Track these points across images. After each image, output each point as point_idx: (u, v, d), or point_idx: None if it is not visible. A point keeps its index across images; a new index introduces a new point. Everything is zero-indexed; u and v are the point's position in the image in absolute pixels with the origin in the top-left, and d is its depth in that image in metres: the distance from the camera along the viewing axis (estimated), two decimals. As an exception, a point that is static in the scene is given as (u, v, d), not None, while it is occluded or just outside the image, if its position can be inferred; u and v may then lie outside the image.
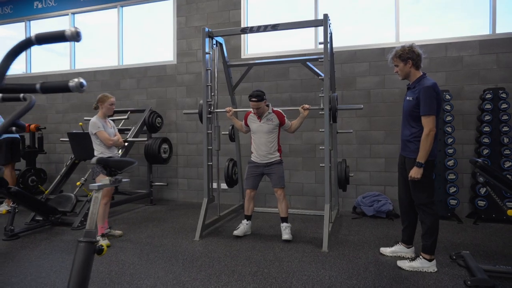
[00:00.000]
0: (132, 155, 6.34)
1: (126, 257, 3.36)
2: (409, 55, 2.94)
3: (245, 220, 3.99)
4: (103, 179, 1.75)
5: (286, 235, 3.74)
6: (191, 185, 6.09)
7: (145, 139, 5.30)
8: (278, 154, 3.86)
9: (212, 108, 4.22)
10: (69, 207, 4.59)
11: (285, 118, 3.90)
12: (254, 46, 5.87)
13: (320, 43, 3.73)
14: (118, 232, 4.05)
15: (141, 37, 6.65)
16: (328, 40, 3.72)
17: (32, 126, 6.54)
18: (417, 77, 2.98)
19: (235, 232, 3.89)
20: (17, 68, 7.37)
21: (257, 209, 5.20)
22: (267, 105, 3.91)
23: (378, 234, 4.02)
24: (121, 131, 5.72)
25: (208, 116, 4.16)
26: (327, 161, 3.72)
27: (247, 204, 3.97)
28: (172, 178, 6.20)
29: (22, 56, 7.27)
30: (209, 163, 4.16)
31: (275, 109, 3.92)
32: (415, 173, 2.86)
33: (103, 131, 3.74)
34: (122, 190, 6.20)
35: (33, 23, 7.26)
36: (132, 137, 5.29)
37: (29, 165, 6.14)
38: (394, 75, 5.14)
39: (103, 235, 3.72)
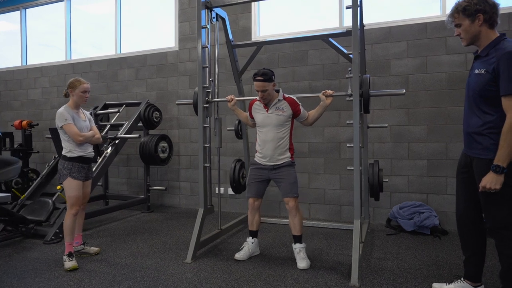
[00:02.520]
0: (129, 155, 5.63)
1: (92, 286, 2.57)
2: (479, 7, 1.99)
3: (250, 237, 3.12)
4: None
5: (302, 262, 2.84)
6: (195, 190, 5.28)
7: (137, 135, 4.52)
8: (289, 154, 2.97)
9: (210, 96, 3.39)
10: (44, 216, 3.86)
11: (300, 106, 3.01)
12: (267, 30, 4.99)
13: (348, 7, 2.82)
14: (94, 249, 3.28)
15: (140, 22, 5.91)
16: (358, 3, 2.82)
17: (24, 122, 5.95)
18: (492, 39, 2.03)
19: (237, 256, 3.03)
20: (12, 62, 6.82)
21: (269, 219, 4.35)
22: (277, 91, 3.04)
23: (424, 259, 3.07)
24: (114, 127, 5.02)
25: (205, 105, 3.33)
26: (357, 163, 2.80)
27: (251, 217, 3.10)
28: (173, 182, 5.41)
29: (17, 49, 6.72)
30: (206, 165, 3.33)
31: (286, 95, 3.04)
32: (491, 182, 1.92)
33: (72, 124, 2.98)
34: (116, 194, 5.47)
35: (28, 11, 6.68)
36: (124, 134, 4.55)
37: (17, 166, 5.51)
38: (439, 56, 4.18)
39: (70, 254, 2.95)
